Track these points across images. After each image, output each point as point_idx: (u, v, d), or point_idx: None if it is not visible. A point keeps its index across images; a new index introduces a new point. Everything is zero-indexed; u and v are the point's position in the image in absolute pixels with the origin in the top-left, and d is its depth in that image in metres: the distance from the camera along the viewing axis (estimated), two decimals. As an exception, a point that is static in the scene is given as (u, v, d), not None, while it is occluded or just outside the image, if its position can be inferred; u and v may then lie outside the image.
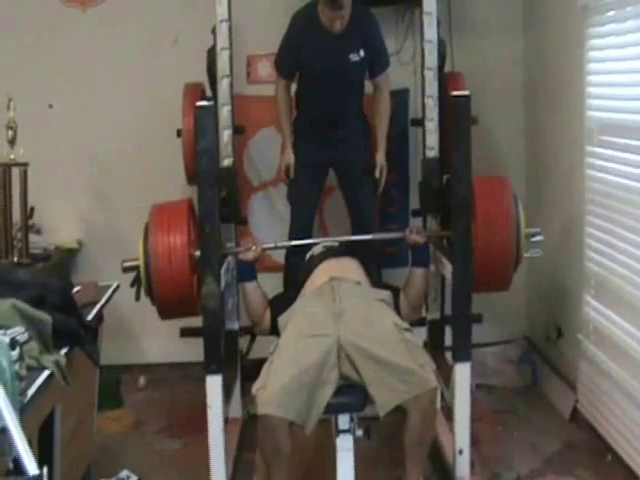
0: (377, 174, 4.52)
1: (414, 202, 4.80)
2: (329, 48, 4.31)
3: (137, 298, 3.67)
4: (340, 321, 3.51)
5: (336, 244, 4.12)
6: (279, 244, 4.20)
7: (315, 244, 4.17)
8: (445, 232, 3.85)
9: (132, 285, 3.64)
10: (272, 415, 3.22)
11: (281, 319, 3.76)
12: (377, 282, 4.03)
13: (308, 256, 4.12)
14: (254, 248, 3.89)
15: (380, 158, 4.54)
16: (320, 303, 3.68)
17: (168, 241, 3.51)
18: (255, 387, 3.35)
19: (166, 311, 3.66)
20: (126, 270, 3.64)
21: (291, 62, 4.48)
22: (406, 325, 3.59)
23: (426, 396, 3.28)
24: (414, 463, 3.46)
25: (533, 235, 3.80)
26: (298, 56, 4.41)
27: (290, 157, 4.54)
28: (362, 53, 4.35)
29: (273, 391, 3.26)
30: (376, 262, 4.33)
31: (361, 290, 3.79)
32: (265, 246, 4.01)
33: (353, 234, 4.53)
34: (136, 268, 3.59)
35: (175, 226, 3.53)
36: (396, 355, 3.34)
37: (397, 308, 3.87)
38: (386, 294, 3.84)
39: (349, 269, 3.92)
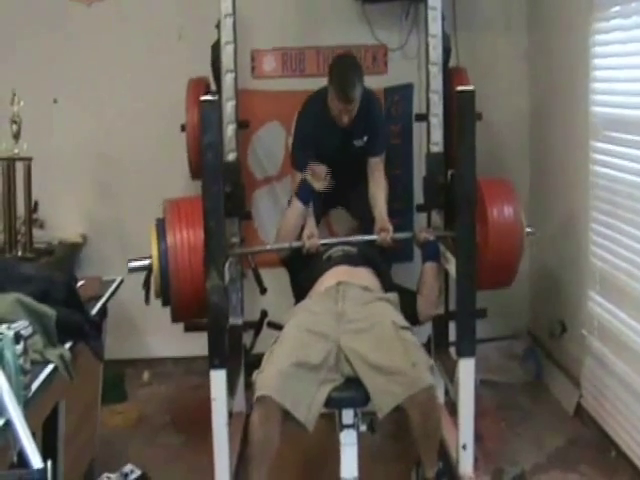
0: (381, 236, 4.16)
1: (418, 197, 4.80)
2: (337, 139, 4.26)
3: (147, 301, 3.66)
4: (341, 322, 3.57)
5: (354, 251, 4.12)
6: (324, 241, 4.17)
7: (336, 244, 4.18)
8: (452, 233, 3.83)
9: (144, 286, 3.63)
10: (268, 396, 3.23)
11: (285, 316, 3.78)
12: (390, 288, 4.03)
13: (326, 256, 4.12)
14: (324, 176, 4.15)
15: (388, 230, 4.17)
16: (323, 304, 3.72)
17: (188, 239, 3.47)
18: (255, 374, 3.40)
19: (182, 313, 3.62)
20: (133, 271, 3.61)
21: (308, 160, 4.28)
22: (405, 323, 3.62)
23: (421, 394, 3.29)
24: (427, 456, 3.54)
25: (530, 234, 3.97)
26: (311, 149, 4.31)
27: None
28: (365, 138, 4.32)
29: (270, 374, 3.31)
30: (387, 261, 4.31)
31: (365, 292, 3.81)
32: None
33: (361, 231, 4.50)
34: (146, 268, 3.58)
35: (194, 224, 3.48)
36: (391, 358, 3.37)
37: (414, 310, 3.98)
38: (392, 295, 3.87)
39: (360, 276, 3.93)
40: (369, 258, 4.09)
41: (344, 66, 4.16)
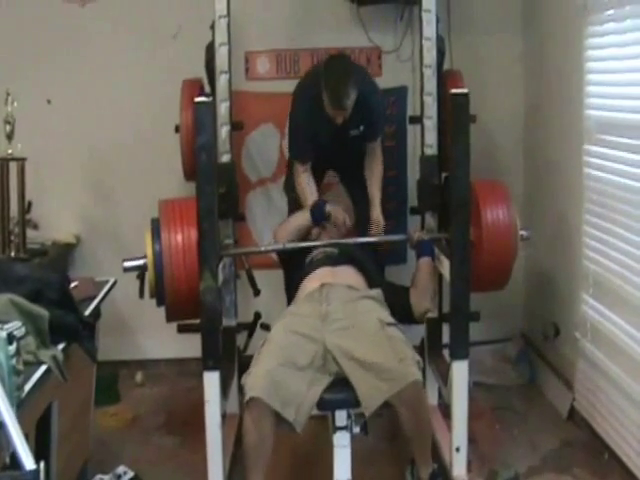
0: (373, 230, 4.36)
1: (412, 200, 4.80)
2: (333, 130, 4.24)
3: (141, 295, 3.66)
4: (326, 322, 3.58)
5: (336, 251, 4.12)
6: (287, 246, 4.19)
7: (324, 246, 4.17)
8: (446, 235, 3.85)
9: (138, 277, 3.62)
10: (258, 398, 3.23)
11: (274, 323, 3.78)
12: (379, 284, 4.03)
13: (308, 260, 4.13)
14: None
15: (376, 215, 4.39)
16: (308, 306, 3.74)
17: (182, 239, 3.49)
18: (244, 377, 3.40)
19: (176, 312, 3.64)
20: (128, 270, 3.61)
21: (307, 148, 4.39)
22: (390, 319, 3.64)
23: (408, 390, 3.29)
24: (420, 455, 3.56)
25: (525, 237, 4.00)
26: (311, 138, 4.34)
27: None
28: (362, 128, 4.31)
29: (258, 376, 3.31)
30: (379, 261, 4.32)
31: (349, 291, 3.81)
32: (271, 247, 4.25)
33: (357, 228, 4.52)
34: (141, 268, 3.57)
35: (189, 224, 3.49)
36: (377, 354, 3.38)
37: (408, 306, 3.96)
38: (375, 292, 3.87)
39: (343, 276, 3.93)
40: (352, 256, 4.08)
41: (337, 73, 4.11)
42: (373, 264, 4.17)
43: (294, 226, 4.29)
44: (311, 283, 3.90)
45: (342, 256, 4.07)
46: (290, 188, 4.61)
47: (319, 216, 4.26)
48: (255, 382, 3.30)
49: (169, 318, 3.68)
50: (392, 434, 4.14)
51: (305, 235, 4.30)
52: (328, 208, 4.27)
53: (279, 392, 3.27)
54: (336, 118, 4.14)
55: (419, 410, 3.42)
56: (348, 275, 3.95)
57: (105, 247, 5.19)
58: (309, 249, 4.18)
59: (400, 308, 3.90)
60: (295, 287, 4.00)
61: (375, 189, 4.46)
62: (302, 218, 4.30)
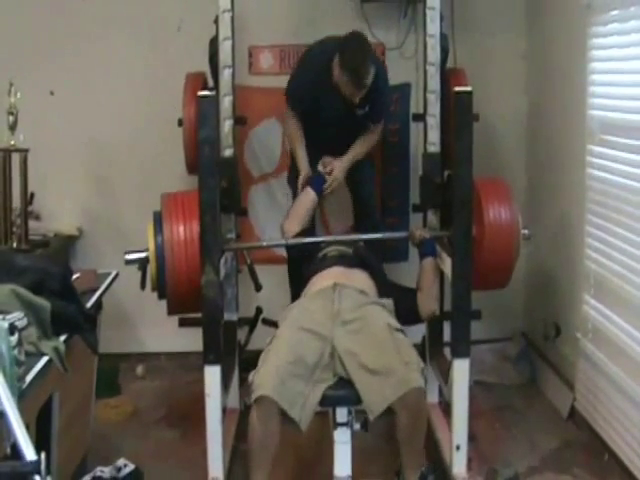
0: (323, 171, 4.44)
1: (414, 197, 4.80)
2: (339, 108, 4.27)
3: (142, 286, 3.65)
4: (336, 322, 3.55)
5: (350, 252, 4.12)
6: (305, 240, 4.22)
7: (333, 242, 4.19)
8: (448, 233, 3.84)
9: (140, 268, 3.62)
10: (267, 396, 3.22)
11: (281, 315, 3.78)
12: (387, 288, 4.02)
13: (321, 255, 4.14)
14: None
15: (337, 169, 4.44)
16: (319, 302, 3.71)
17: (184, 232, 3.49)
18: (251, 374, 3.38)
19: (177, 306, 3.64)
20: (130, 262, 3.60)
21: (303, 102, 4.43)
22: (399, 326, 3.62)
23: (410, 395, 3.29)
24: (409, 459, 3.53)
25: (527, 236, 3.99)
26: (310, 101, 4.38)
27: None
28: (367, 108, 4.32)
29: (267, 374, 3.29)
30: (379, 260, 4.33)
31: (360, 295, 3.79)
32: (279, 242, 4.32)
33: (357, 225, 4.53)
34: (142, 261, 3.57)
35: (192, 217, 3.49)
36: (384, 359, 3.37)
37: (415, 308, 3.95)
38: (387, 302, 3.86)
39: (356, 279, 3.91)
40: (365, 260, 4.07)
41: (357, 51, 4.12)
42: (381, 268, 4.18)
43: (303, 212, 4.33)
44: (323, 280, 3.87)
45: (356, 258, 4.07)
46: (293, 181, 4.61)
47: (319, 185, 4.37)
48: (264, 380, 3.28)
49: (170, 311, 3.68)
50: (392, 432, 4.13)
51: (313, 216, 4.40)
52: (319, 168, 4.39)
53: (287, 391, 3.26)
54: (353, 97, 4.17)
55: (418, 417, 3.41)
56: (361, 279, 3.93)
57: (107, 239, 5.19)
58: (319, 245, 4.19)
59: (407, 310, 3.89)
60: (304, 280, 3.97)
61: (353, 149, 4.48)
62: (305, 200, 4.36)
